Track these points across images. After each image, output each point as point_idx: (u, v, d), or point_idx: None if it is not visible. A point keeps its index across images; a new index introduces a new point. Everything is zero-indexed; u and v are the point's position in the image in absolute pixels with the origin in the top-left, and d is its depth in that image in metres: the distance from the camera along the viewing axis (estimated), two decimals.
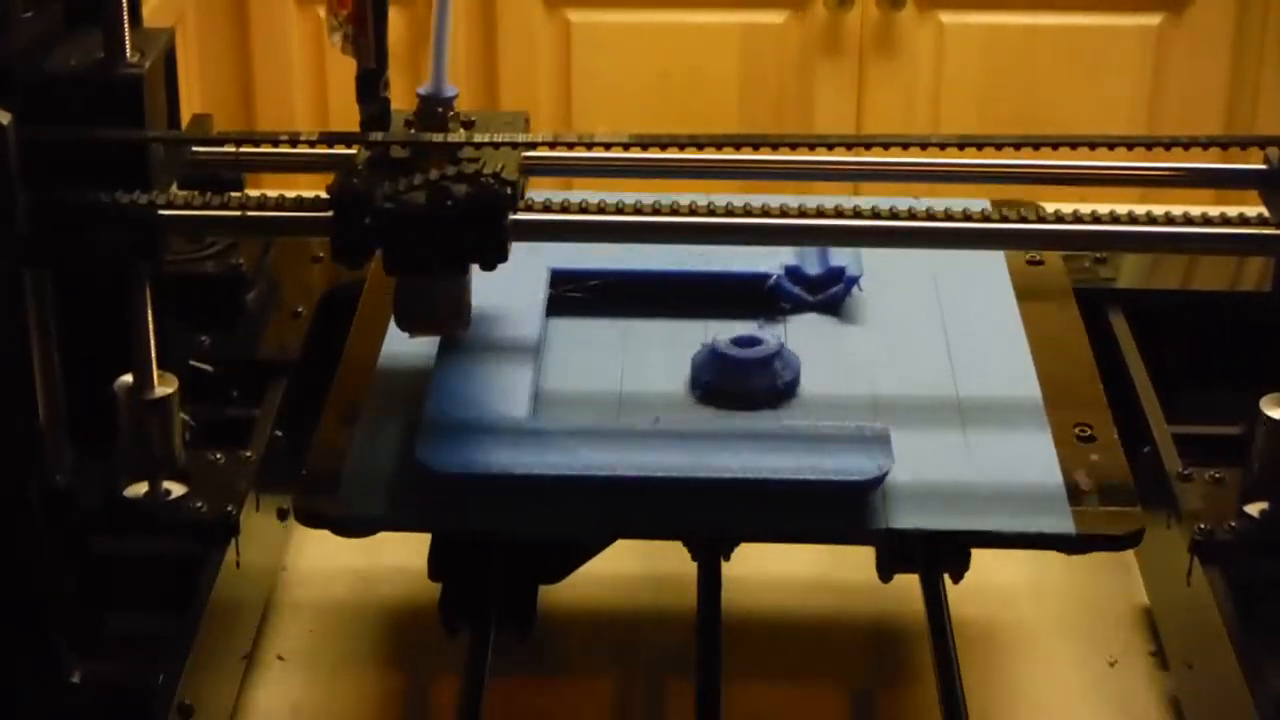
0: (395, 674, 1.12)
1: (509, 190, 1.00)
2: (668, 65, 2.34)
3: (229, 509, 1.07)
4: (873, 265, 1.19)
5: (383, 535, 1.22)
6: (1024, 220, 1.04)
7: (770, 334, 1.12)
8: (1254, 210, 1.05)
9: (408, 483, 1.02)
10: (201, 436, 1.12)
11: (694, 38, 2.35)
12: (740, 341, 1.10)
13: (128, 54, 1.05)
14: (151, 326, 1.05)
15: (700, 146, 1.09)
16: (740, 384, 1.09)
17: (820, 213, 1.05)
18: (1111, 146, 1.06)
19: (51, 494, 1.00)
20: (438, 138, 1.04)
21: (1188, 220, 1.03)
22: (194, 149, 1.10)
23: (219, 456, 1.11)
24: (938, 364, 1.13)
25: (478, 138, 1.04)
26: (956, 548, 1.03)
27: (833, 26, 2.35)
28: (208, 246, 1.27)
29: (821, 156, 1.14)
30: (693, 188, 1.07)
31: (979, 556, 1.20)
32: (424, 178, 1.00)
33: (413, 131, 1.05)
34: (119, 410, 1.07)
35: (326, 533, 1.22)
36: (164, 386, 1.07)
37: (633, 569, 1.17)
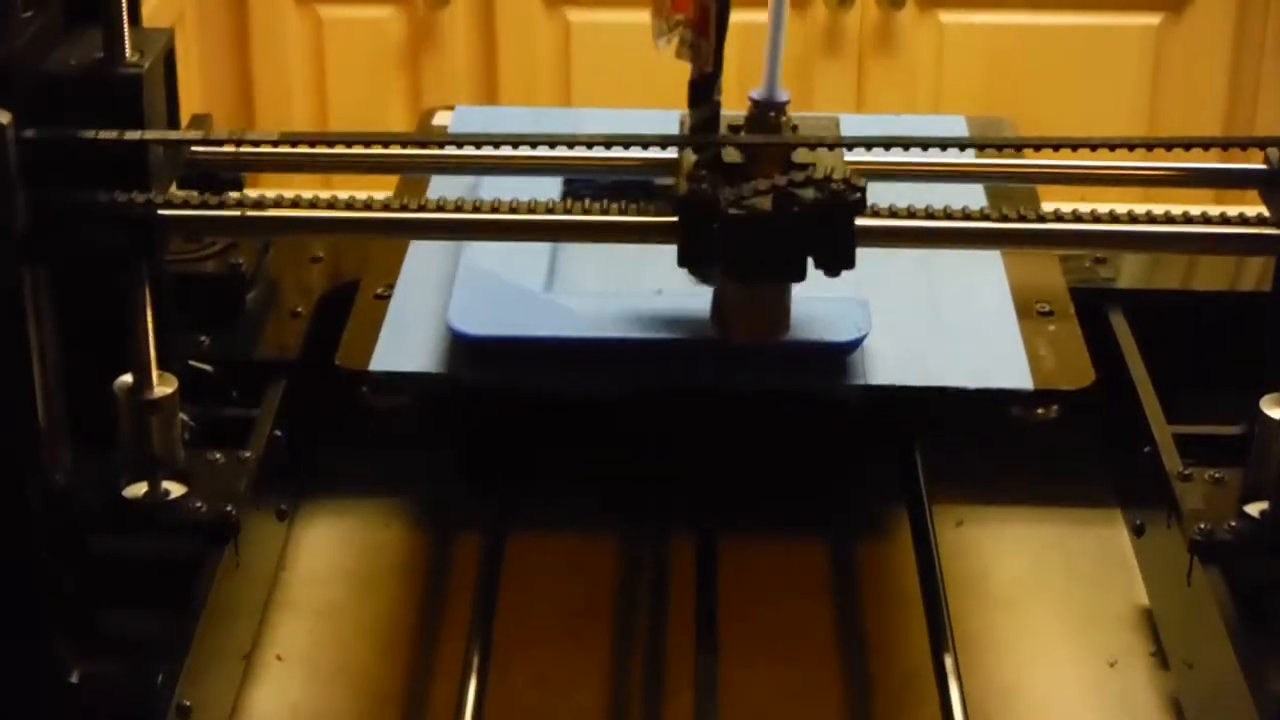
0: (395, 674, 1.12)
1: (858, 194, 0.99)
2: (668, 66, 2.34)
3: (229, 509, 1.07)
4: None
5: (383, 534, 1.23)
6: (1024, 220, 1.04)
7: None
8: (1254, 210, 1.05)
9: (439, 345, 1.11)
10: (201, 436, 1.12)
11: None
12: None
13: (127, 54, 1.05)
14: (151, 326, 1.05)
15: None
16: None
17: None
18: (1112, 147, 1.05)
19: (51, 494, 1.00)
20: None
21: (1188, 220, 1.03)
22: (194, 149, 1.10)
23: (218, 456, 1.11)
24: (916, 255, 1.19)
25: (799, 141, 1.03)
26: (926, 407, 1.17)
27: (833, 26, 2.35)
28: (207, 246, 1.27)
29: None
30: None
31: (978, 556, 1.20)
32: (769, 182, 0.99)
33: (742, 134, 1.04)
34: (119, 410, 1.07)
35: (326, 533, 1.23)
36: (163, 386, 1.07)
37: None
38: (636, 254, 1.16)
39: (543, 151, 1.13)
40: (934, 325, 1.15)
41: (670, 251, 1.12)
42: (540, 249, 1.18)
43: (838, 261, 1.01)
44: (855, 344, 1.10)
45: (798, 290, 1.13)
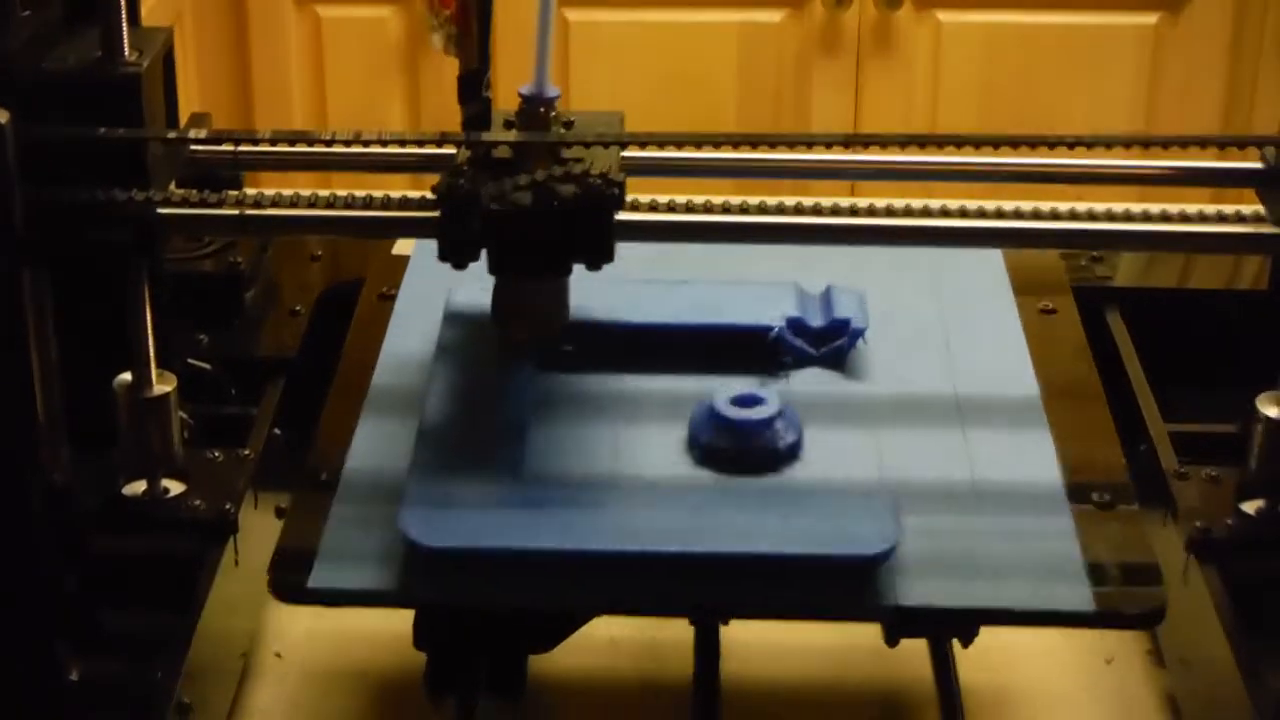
0: (395, 673, 1.12)
1: (616, 190, 0.98)
2: (666, 65, 2.34)
3: (228, 507, 1.07)
4: (878, 314, 1.15)
5: None
6: (1024, 219, 1.04)
7: (772, 391, 1.06)
8: (1252, 209, 1.05)
9: (390, 555, 0.98)
10: (200, 435, 1.12)
11: (692, 37, 2.35)
12: (740, 400, 1.05)
13: (126, 53, 1.05)
14: (150, 325, 1.05)
15: (699, 145, 1.09)
16: (740, 446, 1.04)
17: (818, 211, 1.05)
18: (1109, 146, 1.06)
19: (51, 493, 1.00)
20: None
21: (1186, 219, 1.03)
22: (193, 148, 1.10)
23: (218, 455, 1.11)
24: (948, 423, 1.08)
25: (572, 138, 1.02)
26: (966, 626, 0.99)
27: (830, 26, 2.35)
28: (206, 245, 1.27)
29: (819, 155, 1.15)
30: (690, 187, 1.07)
31: None
32: (529, 178, 0.99)
33: (515, 131, 1.02)
34: (118, 409, 1.07)
35: None
36: (162, 385, 1.07)
37: (627, 633, 1.13)
38: (620, 440, 1.07)
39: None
40: (975, 523, 1.00)
41: (667, 432, 1.06)
42: (510, 432, 1.06)
43: (596, 257, 0.99)
44: (883, 557, 0.96)
45: (816, 489, 1.02)
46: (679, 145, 1.10)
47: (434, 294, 1.18)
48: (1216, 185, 1.14)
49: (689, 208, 1.04)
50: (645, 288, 1.15)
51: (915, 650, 1.08)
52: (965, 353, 1.15)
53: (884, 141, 1.09)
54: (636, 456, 1.05)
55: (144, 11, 1.16)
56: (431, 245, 1.22)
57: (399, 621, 1.15)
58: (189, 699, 0.98)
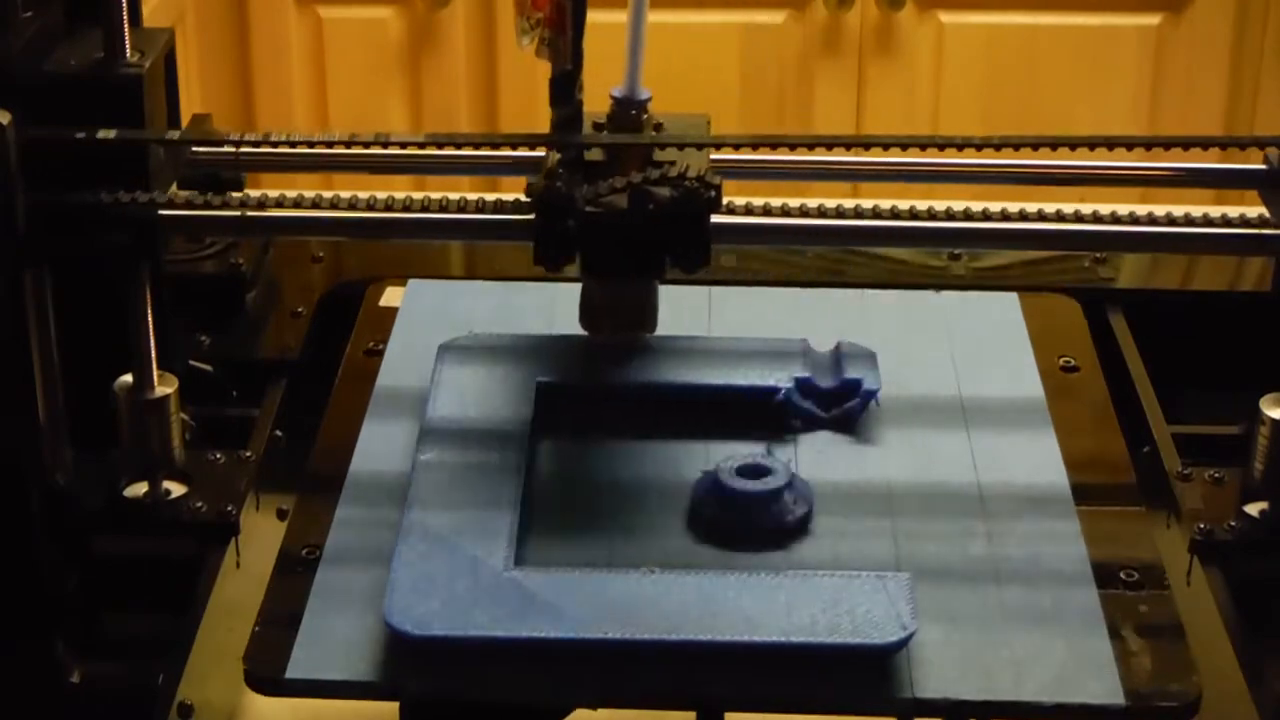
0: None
1: (713, 193, 0.97)
2: (668, 65, 2.34)
3: (229, 509, 1.07)
4: (890, 373, 1.10)
5: None
6: (1027, 220, 1.04)
7: (779, 459, 1.02)
8: (1254, 210, 1.05)
9: (373, 640, 0.93)
10: (201, 436, 1.12)
11: (694, 38, 2.35)
12: (746, 471, 1.01)
13: (127, 54, 1.05)
14: (151, 326, 1.05)
15: (698, 146, 1.09)
16: (746, 521, 0.99)
17: (821, 213, 1.05)
18: (1111, 146, 1.06)
19: (51, 494, 1.00)
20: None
21: (1188, 220, 1.03)
22: (194, 149, 1.10)
23: (219, 456, 1.11)
24: (966, 494, 1.04)
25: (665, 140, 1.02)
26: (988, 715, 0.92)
27: (833, 26, 2.35)
28: (207, 246, 1.27)
29: (821, 156, 1.14)
30: None
31: None
32: (625, 180, 0.98)
33: (605, 133, 1.02)
34: (119, 410, 1.07)
35: None
36: (164, 386, 1.07)
37: (626, 714, 1.01)
38: (619, 515, 1.02)
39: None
40: (996, 604, 0.95)
41: (669, 504, 1.02)
42: (501, 509, 1.00)
43: (692, 260, 0.98)
44: (899, 645, 0.90)
45: (827, 568, 0.96)
46: (755, 147, 1.08)
47: (424, 348, 1.14)
48: (1219, 187, 1.14)
49: (785, 211, 1.02)
50: (645, 346, 1.12)
51: None
52: (984, 415, 1.10)
53: (886, 143, 1.09)
54: (635, 533, 1.00)
55: (145, 12, 1.16)
56: (421, 294, 1.23)
57: None
58: (190, 700, 0.98)
